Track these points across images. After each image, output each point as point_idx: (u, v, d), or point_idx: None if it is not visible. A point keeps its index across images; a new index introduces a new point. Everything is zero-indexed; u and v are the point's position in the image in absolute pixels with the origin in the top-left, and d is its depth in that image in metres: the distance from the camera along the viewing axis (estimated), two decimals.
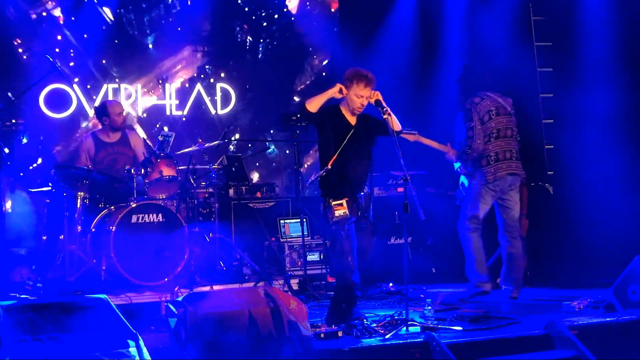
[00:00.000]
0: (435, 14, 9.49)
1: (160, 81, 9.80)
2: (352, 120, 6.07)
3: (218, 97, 10.19)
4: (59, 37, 9.35)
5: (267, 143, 9.97)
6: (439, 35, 9.45)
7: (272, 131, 10.19)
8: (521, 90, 8.44)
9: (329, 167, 5.91)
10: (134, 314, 5.78)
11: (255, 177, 9.84)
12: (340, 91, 6.01)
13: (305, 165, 10.27)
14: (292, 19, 10.47)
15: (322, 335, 5.33)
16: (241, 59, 10.33)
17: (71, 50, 9.41)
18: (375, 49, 9.69)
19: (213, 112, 10.15)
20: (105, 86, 9.62)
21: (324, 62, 10.69)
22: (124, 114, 8.10)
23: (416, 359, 5.12)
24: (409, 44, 9.65)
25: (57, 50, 9.23)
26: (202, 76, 10.05)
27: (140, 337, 4.70)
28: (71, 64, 9.36)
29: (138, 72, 9.79)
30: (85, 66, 9.43)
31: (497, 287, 7.19)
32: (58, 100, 9.40)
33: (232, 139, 8.14)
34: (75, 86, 9.43)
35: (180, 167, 7.73)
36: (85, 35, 9.45)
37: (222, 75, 10.19)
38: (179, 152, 8.17)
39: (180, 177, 7.60)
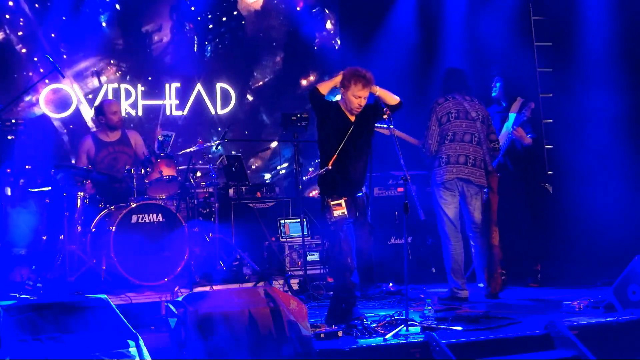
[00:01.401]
0: (435, 14, 9.49)
1: (112, 61, 9.60)
2: (352, 117, 6.08)
3: (218, 97, 10.18)
4: (10, 3, 9.09)
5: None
6: (439, 35, 9.45)
7: (224, 130, 10.08)
8: (521, 90, 8.44)
9: (330, 167, 5.92)
10: (134, 314, 5.78)
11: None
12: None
13: (253, 167, 10.16)
14: (243, 22, 10.24)
15: (322, 335, 5.33)
16: (189, 56, 10.10)
17: (21, 19, 9.16)
18: (375, 49, 9.69)
19: (213, 112, 10.14)
20: (105, 86, 9.61)
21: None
22: (121, 113, 8.09)
23: (416, 359, 5.12)
24: (409, 44, 9.65)
25: (7, 16, 9.03)
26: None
27: (140, 337, 4.70)
28: (20, 33, 9.13)
29: (88, 50, 9.49)
30: (35, 38, 9.14)
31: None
32: (58, 100, 9.39)
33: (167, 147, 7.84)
34: (75, 86, 9.42)
35: (180, 167, 7.73)
36: (36, 5, 9.20)
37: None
38: (179, 153, 8.17)
39: (180, 177, 7.60)
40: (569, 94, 8.72)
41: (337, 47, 10.51)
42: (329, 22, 10.57)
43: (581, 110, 8.60)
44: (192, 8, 9.94)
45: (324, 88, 6.05)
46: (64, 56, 9.31)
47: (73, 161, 8.35)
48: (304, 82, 10.57)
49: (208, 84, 10.09)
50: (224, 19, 10.13)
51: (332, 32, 10.55)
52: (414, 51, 9.61)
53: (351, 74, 6.01)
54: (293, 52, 10.52)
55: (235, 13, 10.26)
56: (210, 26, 10.05)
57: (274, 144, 10.13)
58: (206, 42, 10.10)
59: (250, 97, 10.36)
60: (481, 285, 7.21)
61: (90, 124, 9.32)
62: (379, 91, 6.08)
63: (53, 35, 9.30)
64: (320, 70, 10.56)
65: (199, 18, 10.00)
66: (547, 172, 8.71)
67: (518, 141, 7.76)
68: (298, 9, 10.43)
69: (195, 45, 10.02)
